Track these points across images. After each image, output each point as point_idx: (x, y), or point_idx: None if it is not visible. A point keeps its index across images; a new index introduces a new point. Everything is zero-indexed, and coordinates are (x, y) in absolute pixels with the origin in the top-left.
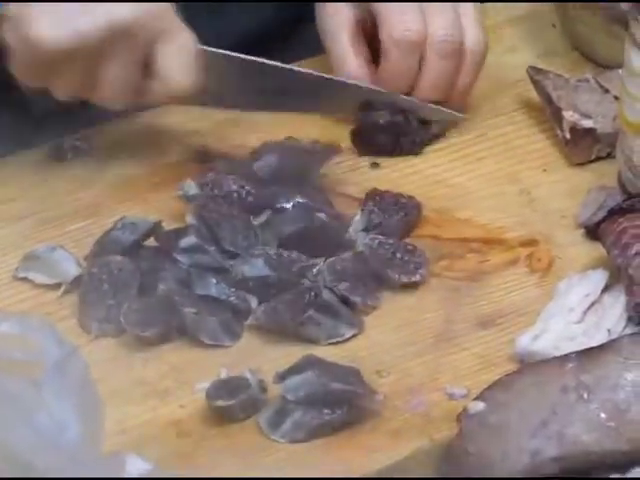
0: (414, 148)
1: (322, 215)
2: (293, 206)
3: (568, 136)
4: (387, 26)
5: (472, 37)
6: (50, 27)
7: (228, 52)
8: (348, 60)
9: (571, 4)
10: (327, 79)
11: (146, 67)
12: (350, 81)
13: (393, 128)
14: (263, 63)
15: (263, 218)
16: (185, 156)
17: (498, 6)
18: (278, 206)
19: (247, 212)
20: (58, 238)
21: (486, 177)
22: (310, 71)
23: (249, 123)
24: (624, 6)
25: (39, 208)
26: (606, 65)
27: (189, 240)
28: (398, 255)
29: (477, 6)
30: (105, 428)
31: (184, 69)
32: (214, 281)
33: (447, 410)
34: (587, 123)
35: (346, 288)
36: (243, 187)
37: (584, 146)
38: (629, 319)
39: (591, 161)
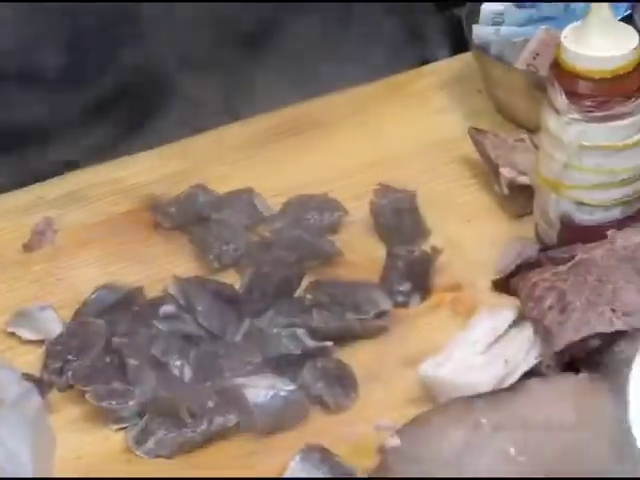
0: None
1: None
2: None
3: (506, 191)
4: None
5: None
6: None
7: None
8: None
9: (494, 71)
10: None
11: None
12: None
13: None
14: None
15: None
16: (136, 205)
17: (426, 70)
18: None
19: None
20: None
21: None
22: None
23: (196, 176)
24: (542, 72)
25: None
26: (525, 127)
27: (168, 308)
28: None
29: None
30: (60, 456)
31: None
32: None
33: (375, 441)
34: (523, 180)
35: (321, 388)
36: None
37: (521, 200)
38: (528, 353)
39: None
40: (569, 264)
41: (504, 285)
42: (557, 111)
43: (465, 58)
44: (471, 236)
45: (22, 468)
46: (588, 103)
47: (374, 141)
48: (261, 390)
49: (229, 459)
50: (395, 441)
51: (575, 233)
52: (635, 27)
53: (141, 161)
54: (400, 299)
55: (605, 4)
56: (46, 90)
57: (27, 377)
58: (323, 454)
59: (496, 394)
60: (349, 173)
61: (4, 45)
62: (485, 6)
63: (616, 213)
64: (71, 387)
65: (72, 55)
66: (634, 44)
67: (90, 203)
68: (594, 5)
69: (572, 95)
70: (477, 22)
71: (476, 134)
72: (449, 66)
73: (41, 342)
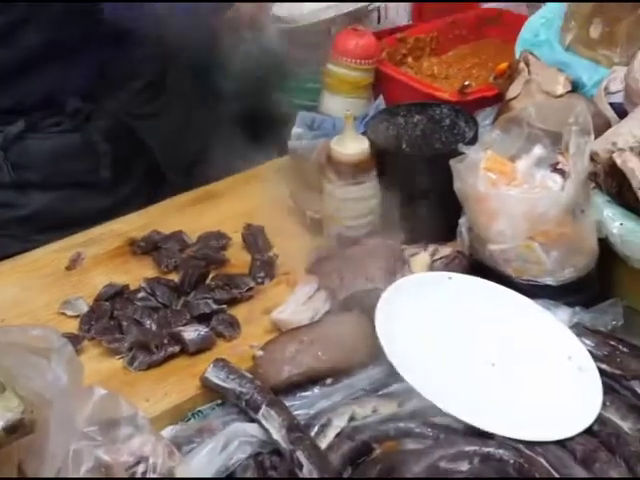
0: None
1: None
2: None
3: (310, 223)
4: None
5: None
6: None
7: None
8: None
9: (301, 162)
10: None
11: None
12: None
13: None
14: None
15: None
16: (123, 243)
17: (271, 163)
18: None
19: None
20: (66, 284)
21: None
22: None
23: (154, 225)
24: (324, 161)
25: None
26: (317, 190)
27: (142, 294)
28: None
29: None
30: (87, 374)
31: None
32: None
33: (250, 354)
34: (318, 216)
35: (222, 328)
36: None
37: (318, 227)
38: (324, 303)
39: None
40: (343, 256)
41: (312, 270)
42: (330, 181)
43: (287, 157)
44: (294, 247)
45: (62, 384)
46: (346, 176)
47: (246, 202)
48: (191, 332)
49: (177, 369)
50: (260, 353)
51: (345, 241)
52: (368, 138)
53: (125, 219)
54: (259, 281)
55: (351, 125)
56: None
57: (67, 335)
58: (224, 363)
59: (310, 324)
60: (232, 219)
61: None
62: (294, 130)
63: (365, 230)
64: (93, 339)
65: None
66: (366, 146)
67: (100, 243)
68: (346, 126)
69: (337, 172)
70: (290, 138)
71: (293, 194)
72: (280, 161)
73: (77, 316)
